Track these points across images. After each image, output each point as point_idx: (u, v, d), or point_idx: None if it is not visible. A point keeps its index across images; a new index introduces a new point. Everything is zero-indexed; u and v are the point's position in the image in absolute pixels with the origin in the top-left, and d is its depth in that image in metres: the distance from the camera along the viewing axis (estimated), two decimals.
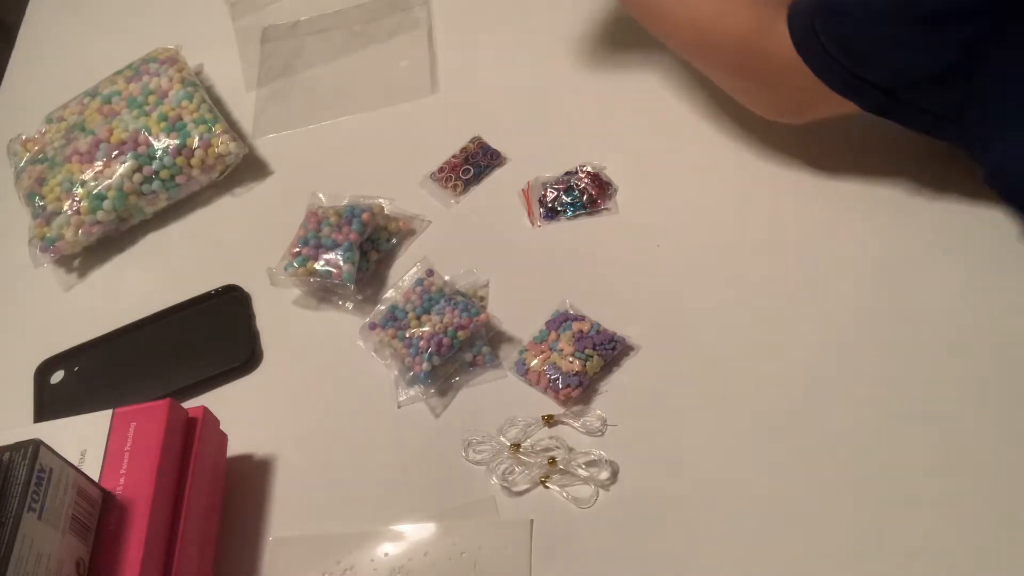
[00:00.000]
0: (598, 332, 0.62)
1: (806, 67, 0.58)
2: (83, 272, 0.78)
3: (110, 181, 0.75)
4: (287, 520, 0.61)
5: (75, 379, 0.71)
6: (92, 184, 0.75)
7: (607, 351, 0.62)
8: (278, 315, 0.71)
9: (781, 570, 0.53)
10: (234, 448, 0.63)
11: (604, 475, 0.58)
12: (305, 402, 0.66)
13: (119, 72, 0.84)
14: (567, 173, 0.72)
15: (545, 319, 0.65)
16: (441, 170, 0.76)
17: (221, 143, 0.77)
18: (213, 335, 0.71)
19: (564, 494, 0.58)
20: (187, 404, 0.61)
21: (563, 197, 0.71)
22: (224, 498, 0.62)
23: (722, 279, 0.65)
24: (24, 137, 0.83)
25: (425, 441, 0.62)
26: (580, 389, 0.61)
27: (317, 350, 0.68)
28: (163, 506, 0.55)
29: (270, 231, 0.74)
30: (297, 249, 0.69)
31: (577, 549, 0.56)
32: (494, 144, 0.76)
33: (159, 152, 0.76)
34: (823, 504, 0.54)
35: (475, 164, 0.75)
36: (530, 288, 0.67)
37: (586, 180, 0.71)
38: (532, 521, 0.57)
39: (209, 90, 0.85)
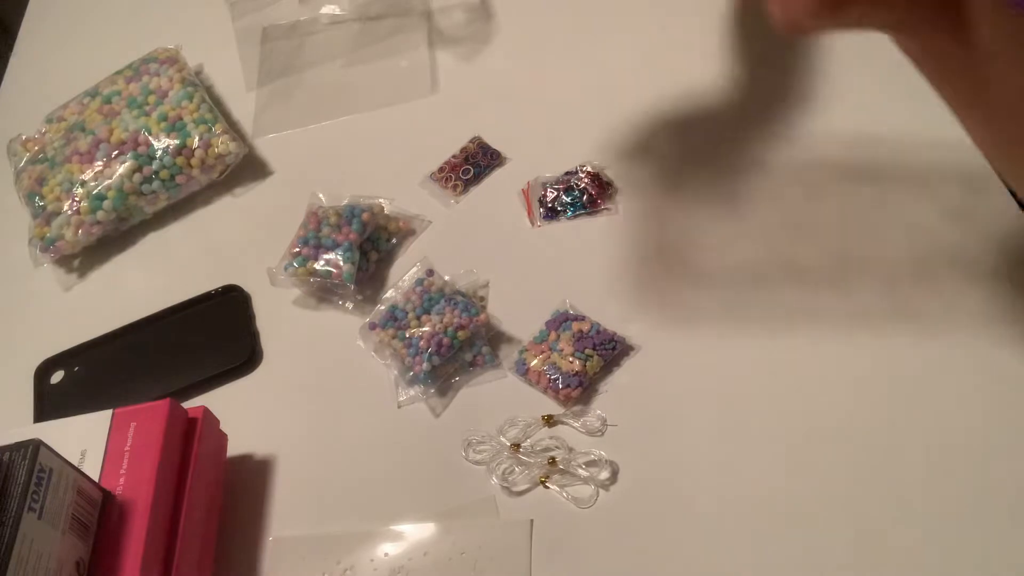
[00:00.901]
0: (598, 332, 0.62)
1: None
2: (83, 272, 0.78)
3: (110, 181, 0.75)
4: (287, 520, 0.61)
5: (75, 379, 0.71)
6: (92, 184, 0.75)
7: (607, 351, 0.62)
8: (278, 315, 0.71)
9: (781, 570, 0.53)
10: (234, 448, 0.63)
11: (604, 475, 0.58)
12: (305, 402, 0.66)
13: (119, 72, 0.84)
14: (567, 173, 0.72)
15: (545, 319, 0.65)
16: (441, 170, 0.76)
17: (221, 143, 0.77)
18: (213, 335, 0.71)
19: (564, 494, 0.58)
20: (187, 404, 0.61)
21: (563, 197, 0.71)
22: (224, 498, 0.61)
23: (722, 278, 0.65)
24: (24, 137, 0.83)
25: (425, 441, 0.62)
26: (580, 389, 0.61)
27: (317, 350, 0.68)
28: (163, 506, 0.55)
29: (270, 231, 0.74)
30: (297, 249, 0.69)
31: (577, 549, 0.56)
32: (494, 144, 0.76)
33: (159, 152, 0.76)
34: (824, 504, 0.55)
35: (475, 164, 0.75)
36: (530, 288, 0.67)
37: (586, 180, 0.71)
38: (532, 521, 0.57)
39: (209, 90, 0.85)
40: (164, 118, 0.77)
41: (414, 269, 0.69)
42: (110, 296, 0.76)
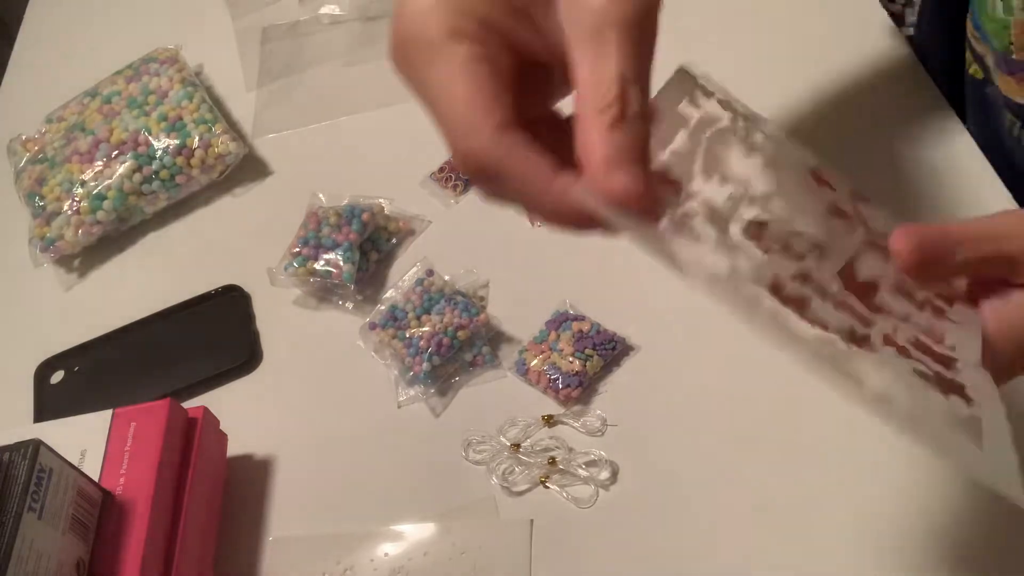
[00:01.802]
0: (598, 332, 0.62)
1: None
2: (83, 272, 0.78)
3: (110, 181, 0.75)
4: (287, 520, 0.61)
5: (75, 379, 0.71)
6: (92, 184, 0.75)
7: (607, 351, 0.62)
8: (278, 315, 0.71)
9: (781, 570, 0.53)
10: (234, 448, 0.63)
11: (604, 475, 0.58)
12: (305, 402, 0.66)
13: (119, 72, 0.84)
14: None
15: (545, 319, 0.65)
16: (441, 170, 0.76)
17: (221, 143, 0.77)
18: (213, 335, 0.71)
19: (564, 494, 0.58)
20: (187, 404, 0.61)
21: None
22: (224, 498, 0.62)
23: None
24: (24, 137, 0.83)
25: (425, 441, 0.62)
26: (580, 389, 0.61)
27: (317, 350, 0.68)
28: (163, 506, 0.55)
29: (270, 231, 0.74)
30: (297, 249, 0.69)
31: (577, 549, 0.56)
32: None
33: (159, 152, 0.76)
34: (824, 504, 0.54)
35: None
36: (530, 288, 0.67)
37: None
38: (532, 521, 0.57)
39: (209, 90, 0.85)
40: (164, 118, 0.77)
41: (414, 269, 0.69)
42: (110, 296, 0.76)
